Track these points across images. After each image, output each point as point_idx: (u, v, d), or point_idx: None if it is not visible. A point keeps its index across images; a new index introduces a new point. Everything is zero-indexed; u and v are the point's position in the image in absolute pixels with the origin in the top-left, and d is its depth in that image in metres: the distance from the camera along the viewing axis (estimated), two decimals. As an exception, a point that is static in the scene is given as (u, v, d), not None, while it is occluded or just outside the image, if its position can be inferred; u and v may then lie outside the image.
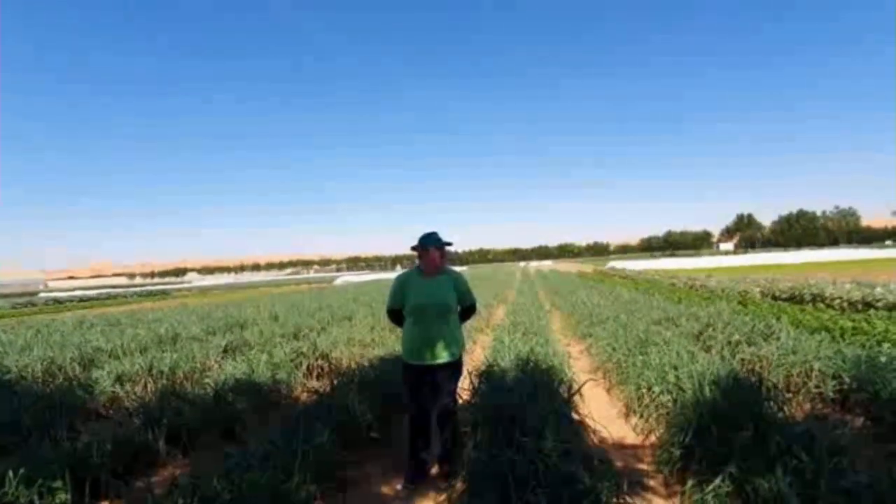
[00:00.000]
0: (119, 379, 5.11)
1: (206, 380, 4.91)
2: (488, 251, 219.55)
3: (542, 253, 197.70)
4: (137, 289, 65.51)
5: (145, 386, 5.12)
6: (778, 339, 5.39)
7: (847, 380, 4.05)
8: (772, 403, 3.28)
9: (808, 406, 4.11)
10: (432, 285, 3.22)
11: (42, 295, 52.73)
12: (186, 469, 3.24)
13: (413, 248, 3.27)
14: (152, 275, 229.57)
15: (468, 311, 3.53)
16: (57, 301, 37.78)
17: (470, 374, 4.25)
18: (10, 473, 2.66)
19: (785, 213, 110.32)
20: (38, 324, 12.88)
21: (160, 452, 3.52)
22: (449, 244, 3.28)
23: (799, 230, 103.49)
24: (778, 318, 7.12)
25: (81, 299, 40.21)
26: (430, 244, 3.21)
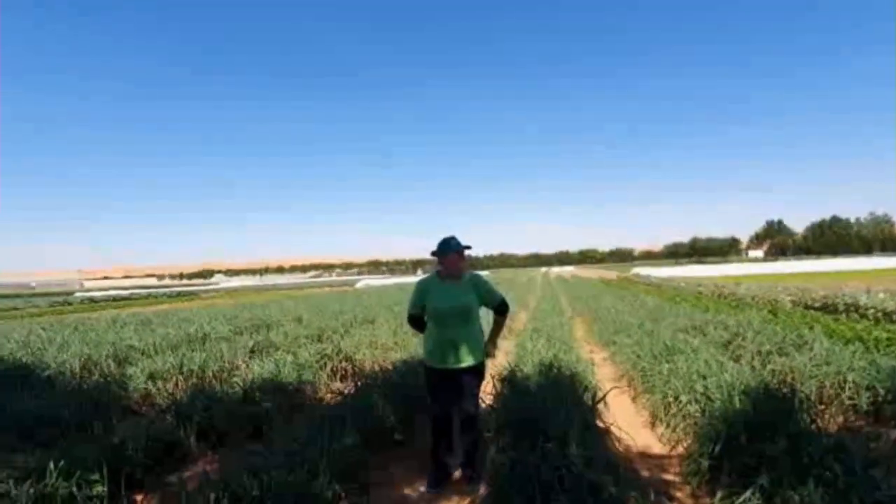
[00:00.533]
0: (151, 376, 5.28)
1: (235, 379, 5.03)
2: (509, 256, 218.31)
3: (563, 258, 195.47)
4: (167, 289, 67.50)
5: (176, 384, 5.28)
6: (811, 349, 5.21)
7: (881, 391, 3.93)
8: (804, 415, 3.18)
9: (840, 418, 3.98)
10: (453, 289, 3.21)
11: (78, 294, 54.83)
12: (216, 466, 3.33)
13: (433, 254, 3.26)
14: (181, 276, 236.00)
15: (500, 310, 3.43)
16: (92, 300, 39.27)
17: (493, 378, 4.25)
18: (52, 465, 2.78)
19: (817, 219, 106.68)
20: (74, 321, 13.41)
21: (191, 449, 3.64)
22: (468, 248, 3.26)
23: (832, 237, 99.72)
24: (810, 328, 6.89)
25: (114, 298, 41.70)
26: (449, 249, 3.19)
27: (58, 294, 58.50)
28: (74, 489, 2.77)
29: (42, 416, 3.99)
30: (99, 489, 2.86)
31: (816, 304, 11.14)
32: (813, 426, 3.12)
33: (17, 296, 60.78)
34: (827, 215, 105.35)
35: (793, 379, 4.55)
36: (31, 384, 5.27)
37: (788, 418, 2.99)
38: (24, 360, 6.37)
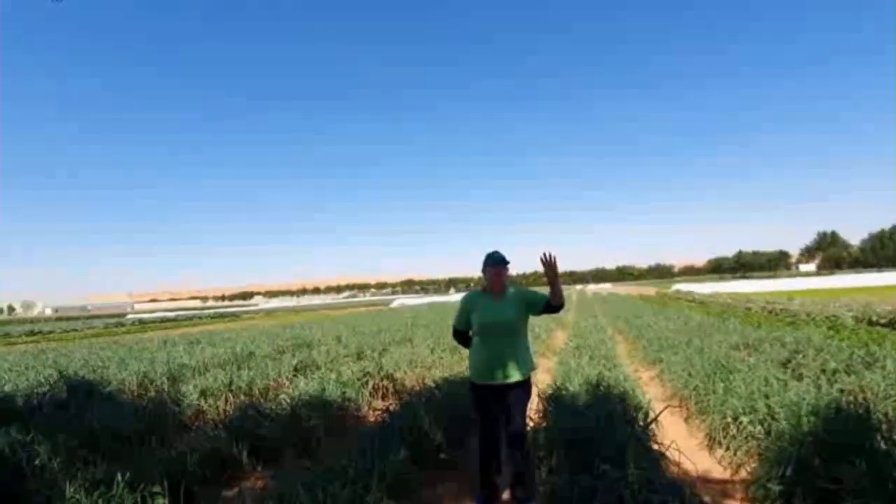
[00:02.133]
0: (203, 393, 5.46)
1: (281, 396, 5.13)
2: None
3: (599, 275, 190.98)
4: (210, 311, 70.12)
5: (226, 400, 5.44)
6: (883, 367, 4.85)
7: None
8: (884, 437, 2.94)
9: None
10: (498, 304, 3.17)
11: (129, 316, 57.77)
12: (267, 481, 3.39)
13: (485, 270, 3.23)
14: (223, 298, 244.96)
15: (556, 308, 3.19)
16: (142, 321, 41.27)
17: (538, 396, 4.16)
18: (119, 477, 2.90)
19: (874, 230, 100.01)
20: (128, 342, 14.10)
21: (243, 464, 3.71)
22: (508, 262, 3.23)
23: (893, 248, 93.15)
24: (879, 345, 6.41)
25: (162, 320, 43.70)
26: (491, 262, 3.17)
27: (111, 316, 61.84)
28: (138, 500, 2.88)
29: (106, 429, 4.19)
30: (161, 501, 2.95)
31: (883, 321, 10.39)
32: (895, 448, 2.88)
33: (76, 318, 64.71)
34: (886, 225, 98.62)
35: (865, 399, 4.22)
36: (94, 399, 5.55)
37: (866, 440, 2.78)
38: (87, 377, 6.72)
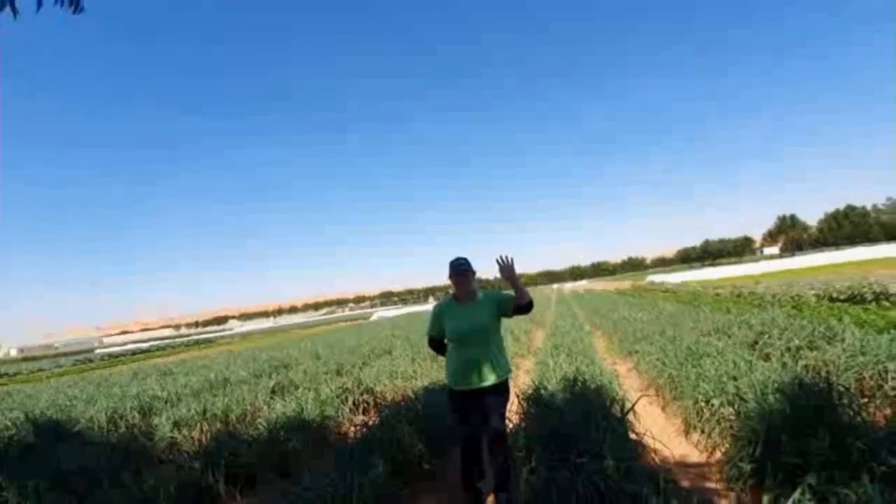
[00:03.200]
0: (176, 424, 5.28)
1: (259, 420, 5.00)
2: (521, 275, 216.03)
3: (575, 273, 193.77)
4: (183, 339, 67.93)
5: (201, 429, 5.26)
6: (842, 341, 5.06)
7: (929, 379, 3.75)
8: (846, 409, 3.06)
9: (888, 410, 3.81)
10: (469, 311, 3.15)
11: (98, 351, 55.44)
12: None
13: (450, 277, 3.22)
14: (196, 324, 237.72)
15: (524, 307, 3.18)
16: (111, 356, 39.68)
17: (517, 396, 4.18)
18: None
19: (830, 210, 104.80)
20: (97, 378, 13.51)
21: (220, 493, 3.59)
22: (471, 269, 3.21)
23: (850, 227, 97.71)
24: (839, 320, 6.69)
25: (134, 352, 42.11)
26: (454, 270, 3.15)
27: (79, 353, 59.15)
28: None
29: (74, 468, 4.01)
30: (132, 540, 2.84)
31: (842, 296, 10.86)
32: (857, 419, 3.00)
33: (43, 357, 61.64)
34: (841, 205, 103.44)
35: (828, 372, 4.41)
36: (62, 438, 5.31)
37: (829, 413, 2.88)
38: (54, 417, 6.42)
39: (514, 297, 3.19)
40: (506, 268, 3.05)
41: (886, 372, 4.02)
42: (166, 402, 6.97)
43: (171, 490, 3.34)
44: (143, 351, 43.48)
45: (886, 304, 8.96)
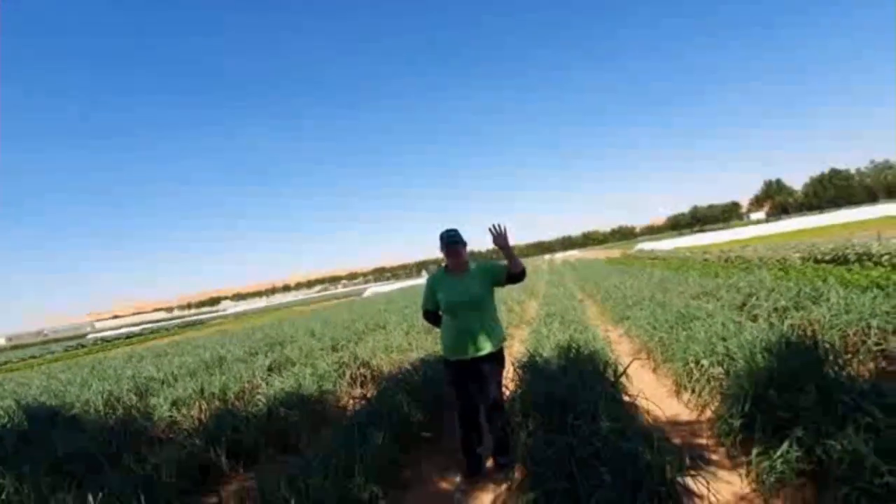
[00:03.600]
0: (174, 404, 5.30)
1: (257, 397, 5.04)
2: (512, 247, 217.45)
3: (566, 243, 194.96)
4: (177, 321, 67.79)
5: (200, 408, 5.30)
6: (827, 300, 5.18)
7: (910, 334, 3.86)
8: (832, 365, 3.15)
9: (871, 365, 3.94)
10: (462, 281, 3.19)
11: (90, 336, 55.21)
12: (250, 482, 3.34)
13: (441, 250, 3.22)
14: (189, 306, 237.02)
15: (516, 276, 3.23)
16: (105, 340, 39.54)
17: (512, 365, 4.25)
18: (90, 499, 2.79)
19: (815, 174, 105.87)
20: (91, 362, 13.48)
21: (223, 468, 3.64)
22: (462, 241, 3.22)
23: (833, 190, 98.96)
24: (824, 281, 6.83)
25: (127, 336, 41.96)
26: (444, 242, 3.17)
27: (71, 339, 58.86)
28: (114, 520, 2.79)
29: (72, 452, 4.02)
30: (138, 518, 2.87)
31: (827, 258, 11.06)
32: (843, 375, 3.09)
33: (33, 345, 61.27)
34: (825, 169, 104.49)
35: (813, 331, 4.51)
36: (57, 425, 5.30)
37: (815, 369, 2.97)
38: (48, 403, 6.40)
39: (506, 266, 3.20)
40: (499, 236, 3.05)
41: (870, 328, 4.13)
42: (163, 383, 6.98)
43: (174, 468, 3.38)
44: (135, 334, 43.38)
45: (869, 264, 9.15)
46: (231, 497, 2.96)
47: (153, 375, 7.38)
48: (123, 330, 56.60)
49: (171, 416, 5.07)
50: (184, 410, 5.16)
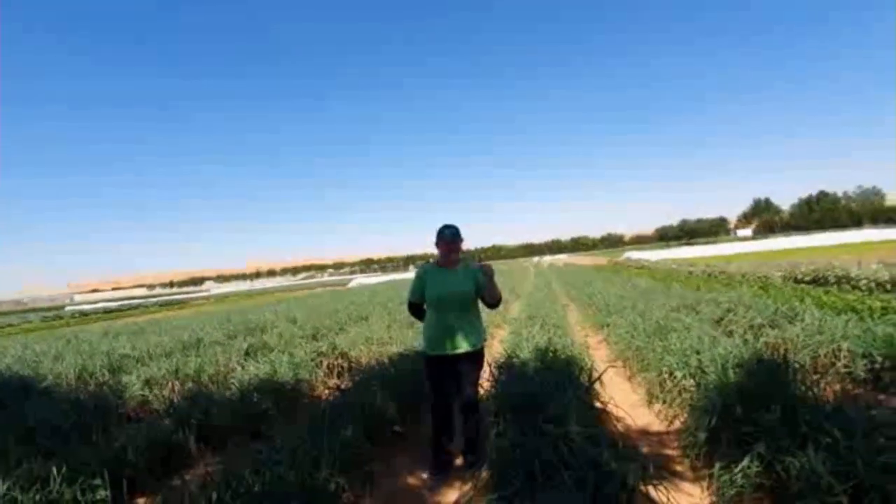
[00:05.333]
0: (147, 383, 5.24)
1: (231, 381, 5.00)
2: (501, 247, 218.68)
3: (555, 247, 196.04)
4: (157, 299, 66.87)
5: (172, 389, 5.24)
6: (802, 320, 5.29)
7: (878, 358, 3.96)
8: (799, 384, 3.22)
9: (837, 387, 4.03)
10: (451, 277, 3.23)
11: (68, 308, 54.28)
12: (218, 467, 3.31)
13: (438, 244, 3.27)
14: (171, 284, 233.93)
15: (489, 303, 3.37)
16: (83, 313, 38.86)
17: (490, 365, 4.27)
18: (54, 471, 2.76)
19: (804, 195, 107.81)
20: (67, 334, 13.25)
21: (191, 451, 3.62)
22: (461, 237, 3.28)
23: (820, 213, 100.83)
24: (801, 301, 6.97)
25: (105, 311, 41.28)
26: (442, 237, 3.23)
27: (48, 309, 57.80)
28: (78, 494, 2.76)
29: (41, 424, 3.97)
30: (102, 494, 2.85)
31: (807, 278, 11.28)
32: (809, 394, 3.16)
33: (10, 313, 60.04)
34: (814, 191, 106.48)
35: (786, 350, 4.61)
36: (29, 396, 5.23)
37: (783, 387, 3.03)
38: (21, 373, 6.29)
39: (485, 285, 3.27)
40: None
41: (840, 351, 4.23)
42: (137, 361, 6.89)
43: (142, 447, 3.34)
44: (114, 310, 42.70)
45: (847, 287, 9.35)
46: (193, 481, 2.93)
47: (128, 353, 7.28)
48: (102, 305, 55.63)
49: (142, 395, 5.01)
50: (156, 390, 5.11)
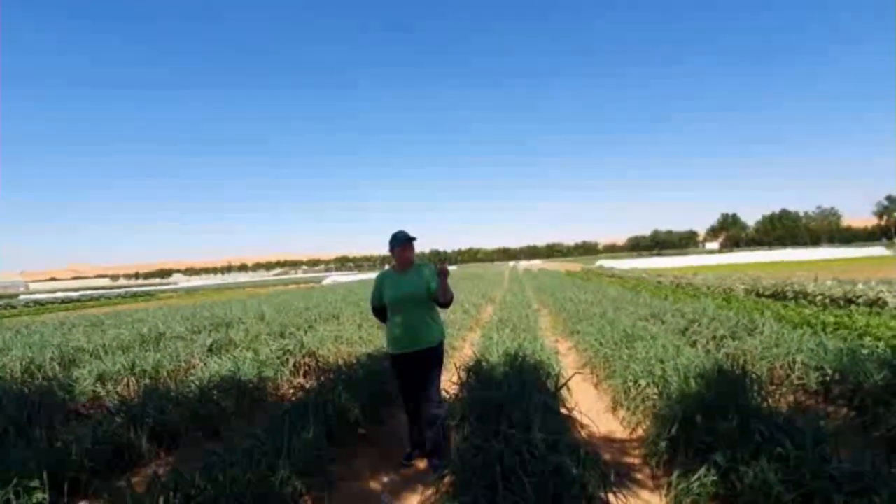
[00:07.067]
0: (100, 378, 5.00)
1: (191, 378, 4.82)
2: (477, 251, 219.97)
3: (530, 252, 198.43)
4: (121, 290, 64.42)
5: (128, 385, 5.02)
6: (761, 333, 5.46)
7: (829, 371, 4.10)
8: (755, 395, 3.31)
9: (791, 397, 4.17)
10: (407, 279, 3.38)
11: (22, 297, 51.65)
12: (170, 467, 3.17)
13: (391, 249, 3.43)
14: (136, 276, 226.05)
15: (440, 303, 3.43)
16: (38, 303, 36.98)
17: (458, 369, 4.24)
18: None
19: (768, 212, 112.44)
20: (17, 325, 12.58)
21: (143, 451, 3.45)
22: (414, 239, 3.44)
23: (782, 230, 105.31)
24: (761, 314, 7.22)
25: (63, 301, 39.36)
26: (396, 242, 3.39)
27: (0, 297, 54.89)
28: (12, 497, 2.59)
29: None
30: (39, 496, 2.68)
31: (767, 292, 11.70)
32: (764, 405, 3.25)
33: (-45, 299, 56.65)
34: (777, 209, 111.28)
35: (745, 361, 4.75)
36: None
37: (740, 397, 3.10)
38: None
39: (438, 284, 3.35)
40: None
41: (795, 363, 4.38)
42: (91, 355, 6.58)
43: (87, 446, 3.17)
44: (73, 300, 40.79)
45: (804, 301, 9.74)
46: (142, 482, 2.80)
47: (82, 346, 6.94)
48: (60, 294, 53.08)
49: (94, 391, 4.78)
50: (110, 386, 4.89)
